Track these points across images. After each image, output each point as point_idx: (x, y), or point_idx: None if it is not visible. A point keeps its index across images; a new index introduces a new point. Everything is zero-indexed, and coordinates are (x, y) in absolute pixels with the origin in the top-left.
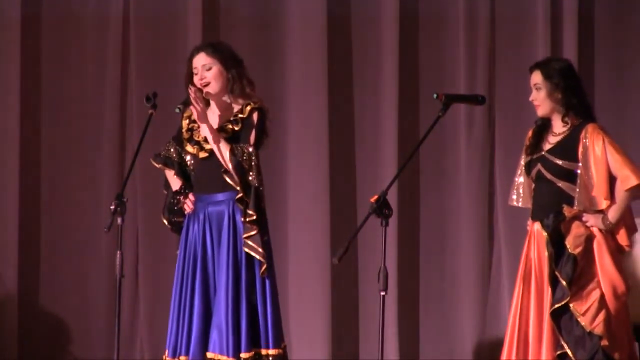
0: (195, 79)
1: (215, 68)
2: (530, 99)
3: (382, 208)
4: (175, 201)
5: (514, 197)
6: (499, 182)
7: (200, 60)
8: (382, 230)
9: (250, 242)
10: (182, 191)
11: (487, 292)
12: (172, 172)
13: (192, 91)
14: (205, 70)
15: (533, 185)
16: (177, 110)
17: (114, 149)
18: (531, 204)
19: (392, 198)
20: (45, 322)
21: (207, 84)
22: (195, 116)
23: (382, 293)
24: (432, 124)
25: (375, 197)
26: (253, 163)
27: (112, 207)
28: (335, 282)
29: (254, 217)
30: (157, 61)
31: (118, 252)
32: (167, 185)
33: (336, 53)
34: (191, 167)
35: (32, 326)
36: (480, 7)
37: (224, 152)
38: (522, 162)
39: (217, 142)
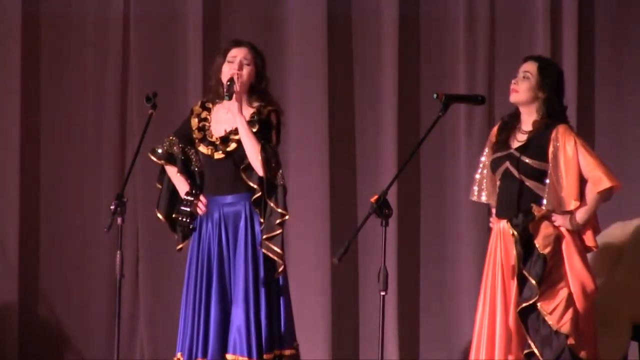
0: (229, 67)
1: (252, 67)
2: (513, 82)
3: (382, 208)
4: (187, 203)
5: (476, 192)
6: None
7: (242, 52)
8: (382, 230)
9: (270, 244)
10: (193, 192)
11: None
12: (175, 169)
13: (238, 80)
14: (245, 64)
15: (498, 182)
16: (227, 98)
17: (114, 149)
18: (495, 201)
19: (392, 198)
20: (46, 322)
21: (239, 77)
22: (233, 107)
23: (382, 293)
24: (432, 124)
25: (375, 197)
26: (279, 163)
27: (112, 207)
28: (335, 282)
29: (287, 217)
30: (157, 61)
31: (118, 252)
32: (161, 178)
33: (336, 53)
34: (199, 167)
35: (32, 326)
36: (480, 7)
37: (255, 147)
38: (484, 158)
39: (249, 136)
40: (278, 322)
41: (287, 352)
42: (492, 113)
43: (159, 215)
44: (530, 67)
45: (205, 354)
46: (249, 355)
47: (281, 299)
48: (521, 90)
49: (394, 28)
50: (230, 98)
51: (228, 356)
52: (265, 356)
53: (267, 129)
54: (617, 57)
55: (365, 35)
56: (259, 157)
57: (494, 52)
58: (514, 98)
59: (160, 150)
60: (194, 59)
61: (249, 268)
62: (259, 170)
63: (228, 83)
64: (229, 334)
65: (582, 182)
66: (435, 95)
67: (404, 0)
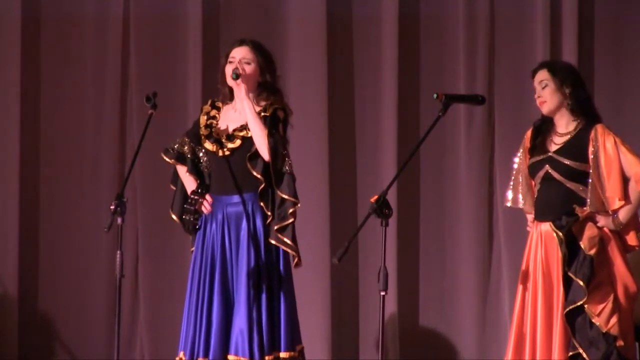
0: (229, 67)
1: (253, 65)
2: (536, 96)
3: (382, 208)
4: (192, 201)
5: (510, 197)
6: (499, 182)
7: (242, 52)
8: (382, 230)
9: (281, 236)
10: (199, 191)
11: (487, 292)
12: (185, 168)
13: (240, 65)
14: (244, 63)
15: (538, 186)
16: (234, 77)
17: (114, 149)
18: (533, 205)
19: (392, 198)
20: (45, 322)
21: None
22: (240, 92)
23: (382, 293)
24: (432, 124)
25: (375, 197)
26: (287, 152)
27: (112, 207)
28: (335, 282)
29: (299, 205)
30: (157, 61)
31: (118, 252)
32: (175, 179)
33: (336, 53)
34: (207, 165)
35: (32, 326)
36: (480, 7)
37: (262, 132)
38: (517, 161)
39: (257, 120)
40: (278, 323)
41: (287, 354)
42: (492, 113)
43: (173, 216)
44: (542, 76)
45: (206, 354)
46: (251, 357)
47: (283, 301)
48: (547, 97)
49: (394, 28)
50: (237, 77)
51: (230, 357)
52: (266, 358)
53: (274, 122)
54: (616, 57)
55: (365, 35)
56: (266, 141)
57: (494, 52)
58: (545, 109)
59: (172, 150)
60: (194, 59)
61: (252, 269)
62: (265, 155)
63: (233, 70)
64: (230, 334)
65: (625, 180)
66: (435, 96)
67: (404, 0)
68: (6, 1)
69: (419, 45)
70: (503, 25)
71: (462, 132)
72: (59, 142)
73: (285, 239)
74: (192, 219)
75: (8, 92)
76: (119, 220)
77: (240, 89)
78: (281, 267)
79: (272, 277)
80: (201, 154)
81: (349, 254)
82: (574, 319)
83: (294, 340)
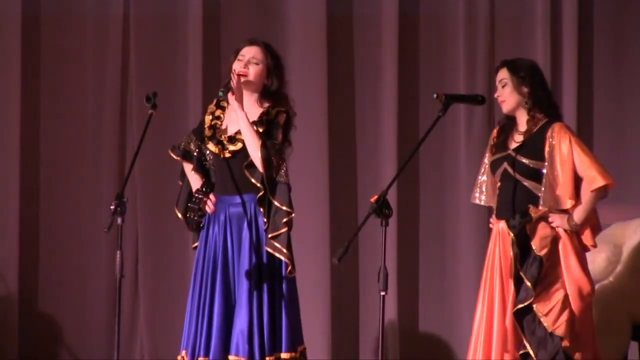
0: (236, 65)
1: (261, 67)
2: (496, 95)
3: (382, 208)
4: (196, 200)
5: (477, 195)
6: None
7: (252, 52)
8: (382, 230)
9: (275, 243)
10: (203, 190)
11: None
12: (191, 166)
13: (234, 75)
14: (253, 63)
15: (499, 184)
16: (221, 94)
17: (114, 149)
18: (495, 203)
19: (392, 198)
20: (45, 322)
21: (245, 75)
22: (233, 103)
23: (382, 293)
24: (432, 124)
25: (375, 197)
26: (282, 161)
27: (112, 207)
28: (335, 282)
29: (293, 215)
30: (157, 61)
31: (118, 252)
32: (183, 175)
33: (336, 53)
34: (212, 163)
35: (32, 326)
36: (480, 7)
37: (255, 143)
38: (486, 161)
39: (250, 132)
40: (279, 324)
41: (287, 355)
42: (492, 113)
43: (177, 213)
44: (502, 74)
45: (207, 354)
46: (251, 357)
47: (285, 301)
48: (506, 97)
49: (394, 28)
50: (224, 94)
51: (230, 358)
52: (267, 359)
53: (273, 128)
54: (616, 57)
55: (365, 35)
56: (259, 153)
57: (494, 52)
58: (505, 108)
59: (178, 148)
60: (194, 59)
61: (253, 270)
62: (259, 166)
63: (227, 80)
64: (231, 335)
65: (578, 180)
66: (435, 96)
67: (404, 0)
68: (6, 1)
69: (419, 45)
70: (503, 25)
71: (462, 132)
72: (59, 142)
73: (280, 246)
74: (195, 218)
75: (8, 92)
76: (119, 220)
77: (232, 102)
78: (283, 268)
79: (274, 278)
80: (207, 152)
81: (349, 254)
82: (523, 318)
83: (295, 341)
